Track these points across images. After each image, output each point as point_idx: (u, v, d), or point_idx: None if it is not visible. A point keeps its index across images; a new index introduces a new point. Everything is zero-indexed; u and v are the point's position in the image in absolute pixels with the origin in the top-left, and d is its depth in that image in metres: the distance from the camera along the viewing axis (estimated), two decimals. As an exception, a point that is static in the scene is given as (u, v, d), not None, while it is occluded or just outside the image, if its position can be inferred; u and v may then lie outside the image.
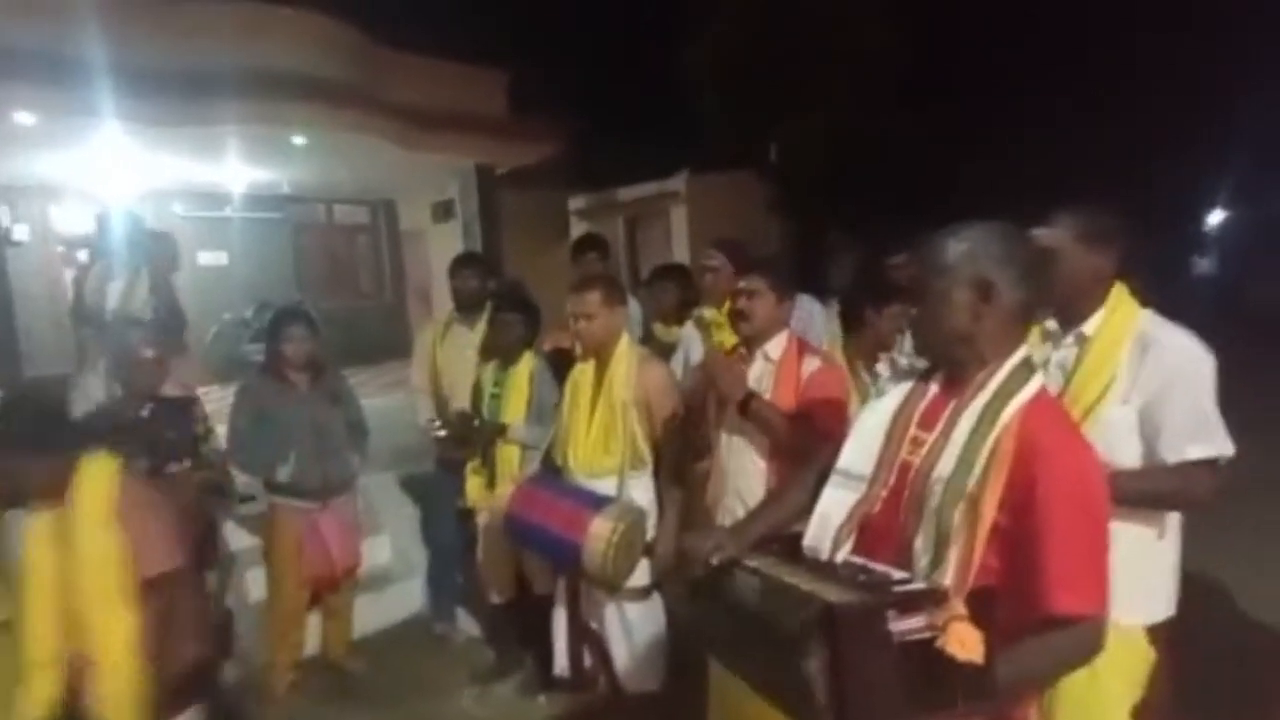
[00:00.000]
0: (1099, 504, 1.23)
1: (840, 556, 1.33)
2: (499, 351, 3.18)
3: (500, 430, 3.05)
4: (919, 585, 1.20)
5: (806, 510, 1.45)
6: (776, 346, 2.36)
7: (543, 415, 3.01)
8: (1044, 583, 1.17)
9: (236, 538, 3.73)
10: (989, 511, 1.20)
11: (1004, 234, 1.32)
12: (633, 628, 2.61)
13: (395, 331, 10.52)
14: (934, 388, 1.39)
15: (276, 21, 6.41)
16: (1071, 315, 1.76)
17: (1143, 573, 1.66)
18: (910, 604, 1.12)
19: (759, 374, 2.35)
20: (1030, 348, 1.75)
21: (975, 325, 1.29)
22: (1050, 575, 1.17)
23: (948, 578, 1.22)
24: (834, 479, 1.42)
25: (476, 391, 3.20)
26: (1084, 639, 1.20)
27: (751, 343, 2.39)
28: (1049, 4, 14.79)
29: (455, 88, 8.09)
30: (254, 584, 3.54)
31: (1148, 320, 1.72)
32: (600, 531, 2.31)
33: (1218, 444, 1.61)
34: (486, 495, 3.11)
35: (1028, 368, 1.31)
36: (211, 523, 2.85)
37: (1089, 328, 1.73)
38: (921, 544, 1.27)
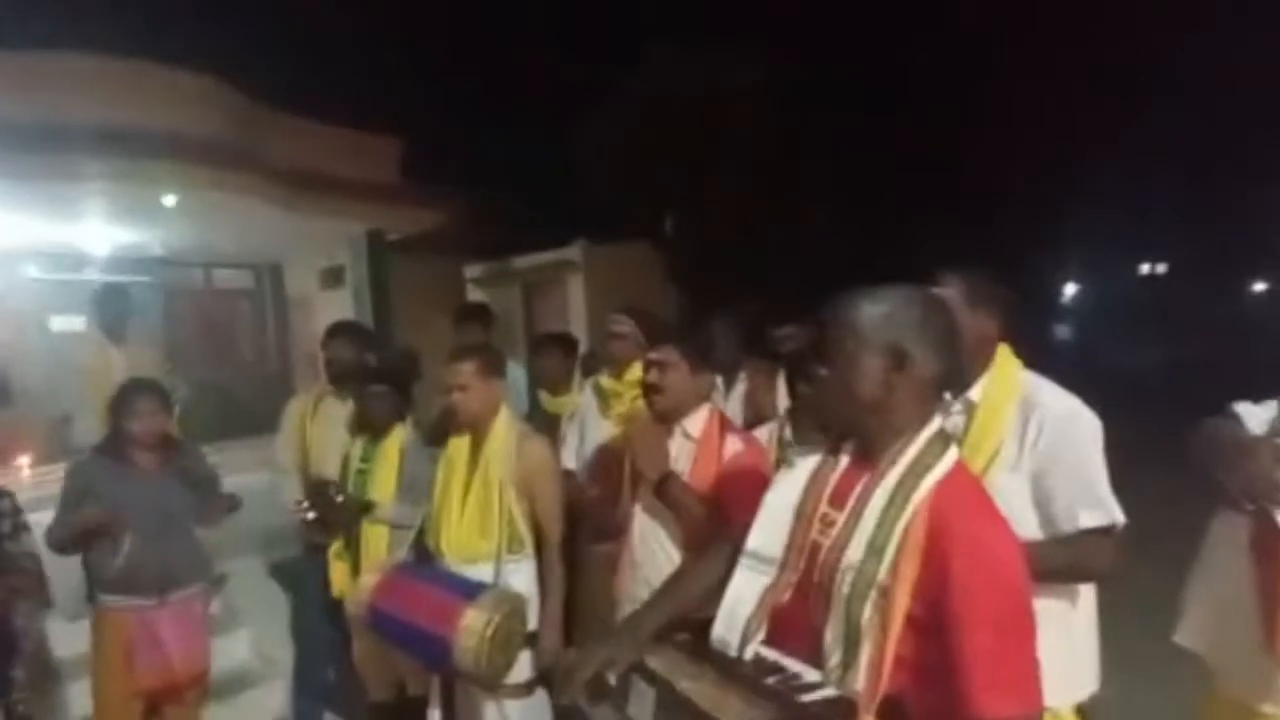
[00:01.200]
0: (1020, 590, 1.12)
1: (750, 650, 1.22)
2: (366, 425, 2.98)
3: (366, 507, 2.82)
4: (827, 695, 1.10)
5: (714, 594, 1.34)
6: (696, 423, 2.22)
7: (414, 492, 2.78)
8: (969, 686, 1.06)
9: (67, 643, 3.27)
10: (901, 603, 1.10)
11: (918, 299, 1.25)
12: None
13: (279, 402, 9.83)
14: (844, 460, 1.30)
15: (145, 77, 6.09)
16: (958, 383, 1.70)
17: (1063, 650, 1.55)
18: None
19: (677, 452, 2.20)
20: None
21: (887, 395, 1.21)
22: (975, 677, 1.06)
23: (859, 680, 1.11)
24: (743, 562, 1.32)
25: (344, 466, 2.97)
26: None
27: (667, 419, 2.25)
28: (922, 79, 16.15)
29: (343, 151, 7.90)
30: (78, 697, 3.09)
31: (1031, 384, 1.67)
32: (473, 625, 2.08)
33: (1109, 511, 1.55)
34: (353, 583, 2.84)
35: (943, 440, 1.23)
36: (15, 632, 2.44)
37: (975, 393, 1.68)
38: (831, 638, 1.17)
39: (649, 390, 2.24)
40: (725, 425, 2.25)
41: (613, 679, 1.25)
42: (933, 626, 1.10)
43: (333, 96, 8.59)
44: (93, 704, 2.77)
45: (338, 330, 3.45)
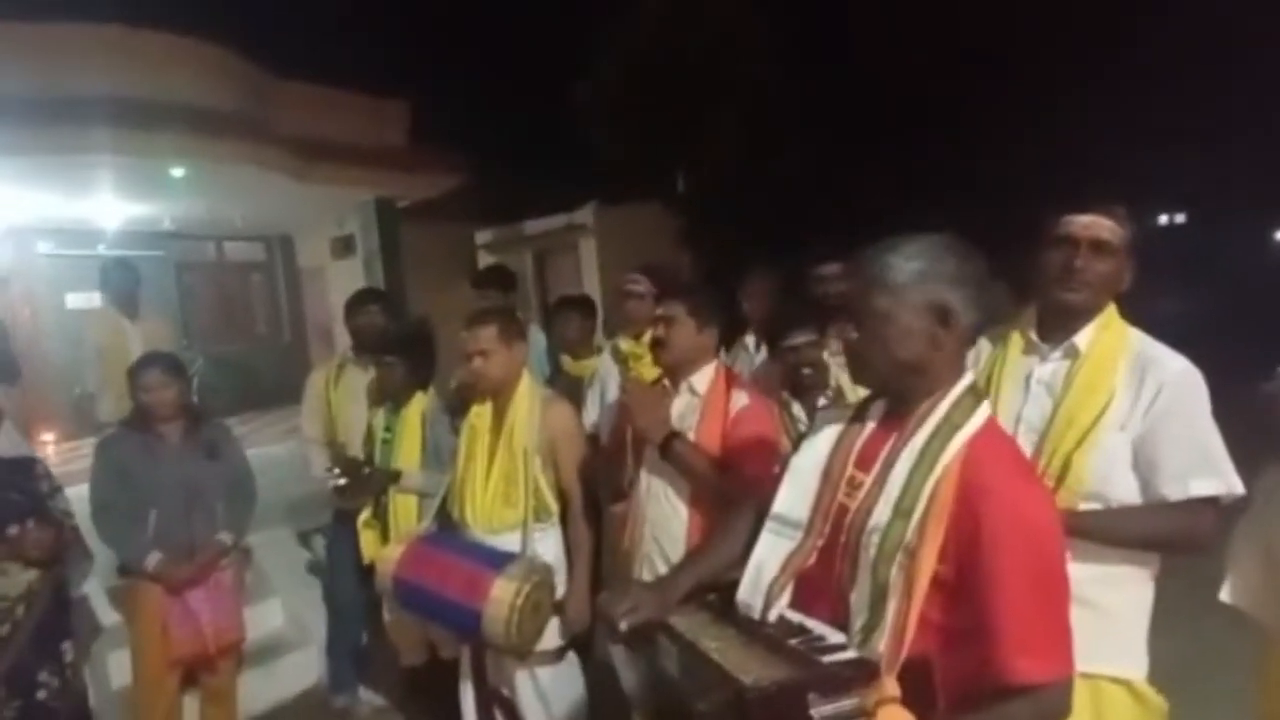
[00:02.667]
0: (1054, 552, 1.09)
1: (774, 613, 1.20)
2: (386, 395, 2.96)
3: (393, 477, 2.81)
4: (850, 656, 1.08)
5: (741, 559, 1.32)
6: (703, 379, 2.19)
7: (439, 460, 2.77)
8: (998, 649, 1.04)
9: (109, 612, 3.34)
10: (927, 563, 1.07)
11: (954, 249, 1.18)
12: (548, 695, 2.38)
13: (294, 374, 9.86)
14: (871, 421, 1.26)
15: (153, 47, 5.99)
16: (1058, 327, 1.59)
17: (1143, 619, 1.55)
18: (836, 683, 1.01)
19: (684, 408, 2.18)
20: (1010, 361, 1.65)
21: (931, 354, 1.16)
22: (1005, 640, 1.03)
23: (882, 642, 1.08)
24: (769, 525, 1.29)
25: (368, 437, 2.96)
26: (1048, 707, 1.06)
27: (674, 374, 2.22)
28: (929, 21, 15.65)
29: (352, 119, 7.81)
30: (117, 667, 3.15)
31: (1142, 340, 1.57)
32: (503, 595, 2.07)
33: (1225, 479, 1.45)
34: (382, 550, 2.86)
35: (974, 396, 1.19)
36: (62, 586, 2.46)
37: (1081, 340, 1.56)
38: (857, 600, 1.15)
39: (655, 345, 2.22)
40: (732, 381, 2.22)
41: (623, 626, 1.25)
42: (960, 588, 1.07)
43: (340, 62, 8.44)
44: (131, 674, 2.82)
45: (364, 298, 3.41)
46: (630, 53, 13.33)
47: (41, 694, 2.25)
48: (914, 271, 1.16)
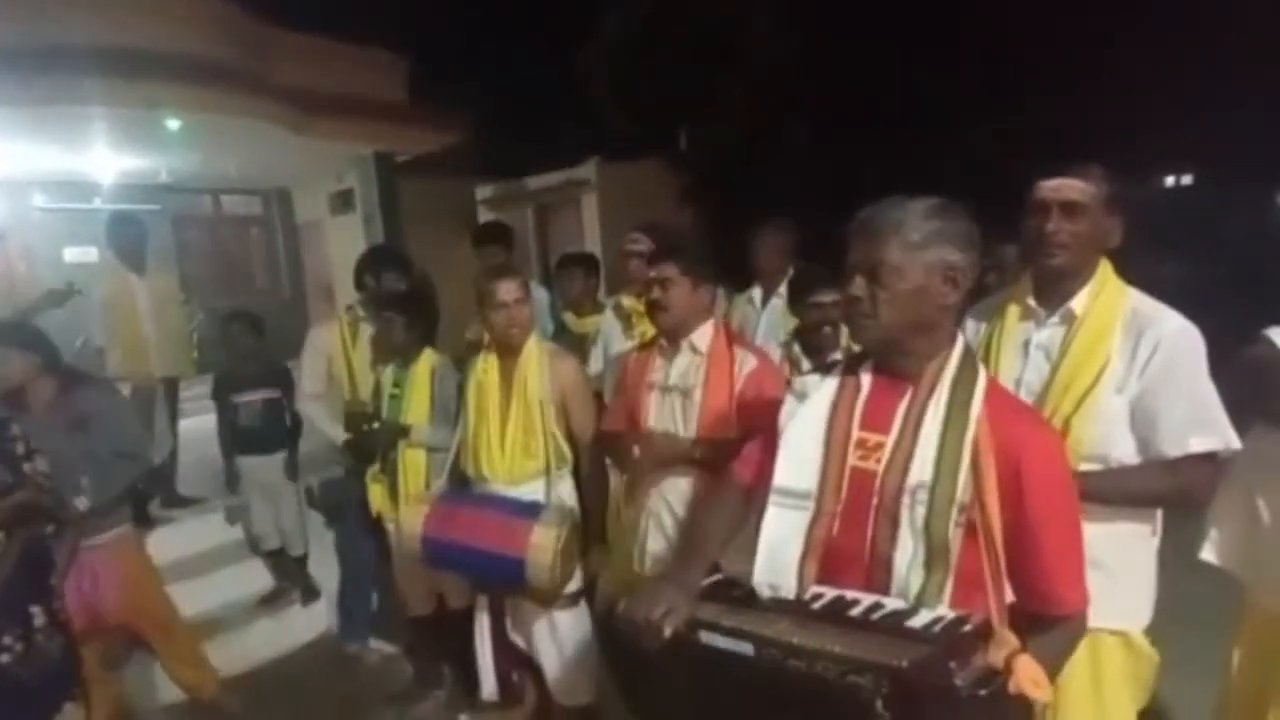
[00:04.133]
0: (1074, 489, 1.20)
1: (810, 591, 1.18)
2: (387, 350, 2.97)
3: (402, 432, 2.84)
4: (952, 617, 1.06)
5: (728, 541, 1.33)
6: (703, 337, 2.20)
7: (448, 415, 2.80)
8: (1052, 583, 1.14)
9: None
10: (996, 515, 1.10)
11: (962, 212, 1.19)
12: (564, 639, 2.45)
13: (296, 329, 9.89)
14: (867, 382, 1.25)
15: (145, -5, 5.85)
16: (1053, 292, 1.61)
17: (1146, 575, 1.60)
18: (965, 647, 0.99)
19: (685, 367, 2.20)
20: (1009, 327, 1.66)
21: (937, 314, 1.19)
22: (1058, 577, 1.14)
23: (944, 600, 1.12)
24: (774, 500, 1.25)
25: (375, 392, 2.98)
26: (1079, 628, 1.18)
27: (673, 334, 2.23)
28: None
29: (350, 71, 7.65)
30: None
31: (1138, 299, 1.57)
32: (544, 542, 2.14)
33: (1223, 434, 1.47)
34: (391, 505, 2.90)
35: (971, 354, 1.23)
36: (39, 550, 2.36)
37: (1077, 305, 1.57)
38: (904, 562, 1.15)
39: (652, 307, 2.22)
40: (732, 338, 2.24)
41: (668, 632, 1.15)
42: (1005, 534, 1.12)
43: (338, 14, 8.22)
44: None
45: (387, 260, 3.39)
46: (635, 11, 13.02)
47: (4, 658, 2.12)
48: (930, 231, 1.16)
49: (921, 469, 1.15)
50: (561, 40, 13.61)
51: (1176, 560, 1.90)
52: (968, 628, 1.03)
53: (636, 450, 2.17)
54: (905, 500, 1.15)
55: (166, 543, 3.87)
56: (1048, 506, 1.13)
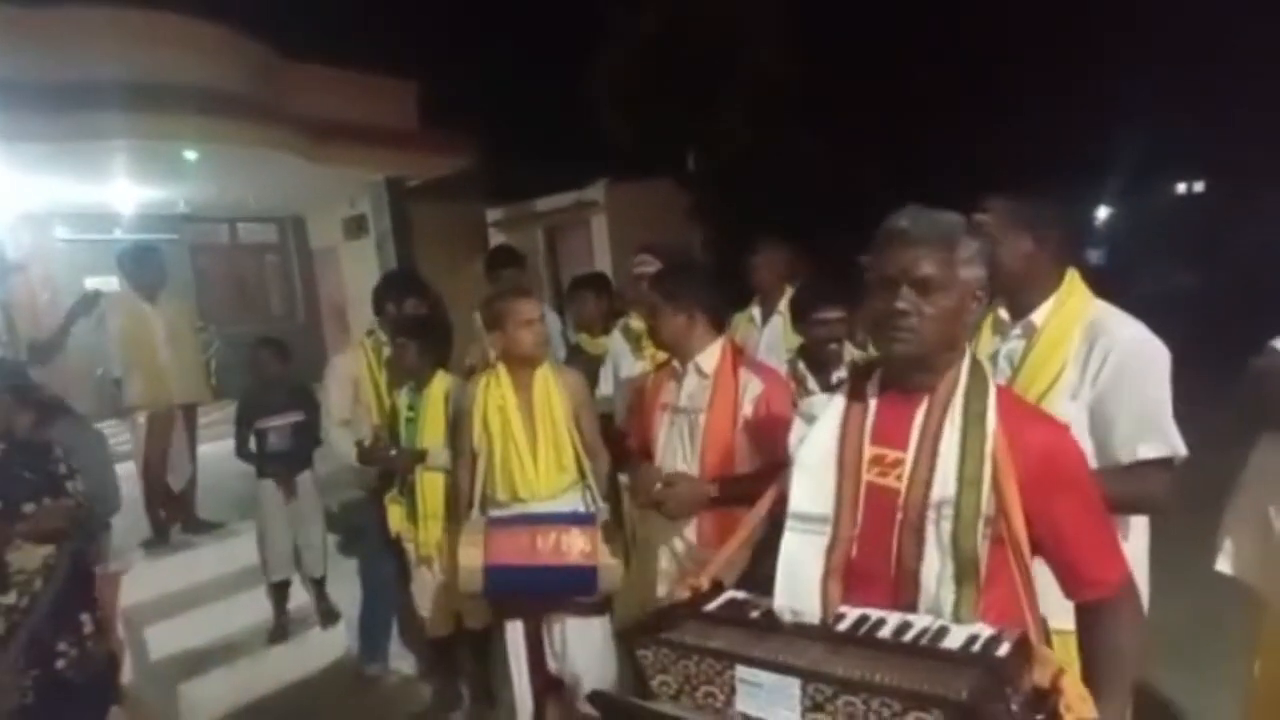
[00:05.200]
0: (1091, 472, 1.24)
1: (835, 614, 1.15)
2: (401, 375, 3.02)
3: (419, 457, 2.87)
4: (989, 634, 1.03)
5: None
6: (709, 359, 2.20)
7: None
8: (1094, 569, 1.17)
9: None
10: (1021, 526, 1.10)
11: (976, 226, 1.24)
12: (597, 645, 2.48)
13: (311, 354, 10.03)
14: (874, 398, 1.25)
15: (164, 30, 6.01)
16: (1021, 305, 1.66)
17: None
18: (1013, 671, 0.96)
19: (693, 389, 2.20)
20: (983, 341, 1.71)
21: (966, 330, 1.22)
22: (1097, 559, 1.18)
23: (974, 614, 1.10)
24: (791, 525, 1.23)
25: (393, 417, 3.02)
26: (1133, 599, 1.22)
27: (678, 354, 2.24)
28: (941, 14, 15.44)
29: (361, 99, 7.81)
30: (155, 640, 3.31)
31: (1098, 311, 1.61)
32: (609, 546, 2.27)
33: (1170, 442, 1.50)
34: (409, 525, 2.93)
35: (979, 364, 1.23)
36: (82, 561, 2.47)
37: (1038, 317, 1.63)
38: (931, 577, 1.14)
39: (649, 331, 2.31)
40: (739, 359, 2.24)
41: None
42: (1033, 533, 1.13)
43: (349, 42, 8.40)
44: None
45: (409, 287, 3.43)
46: (641, 31, 13.20)
47: (60, 664, 2.29)
48: (974, 249, 1.18)
49: (944, 484, 1.14)
50: (570, 61, 13.81)
51: (1196, 573, 1.91)
52: (1006, 646, 1.00)
53: (659, 492, 2.13)
54: (931, 515, 1.14)
55: (187, 568, 3.94)
56: (1076, 498, 1.16)
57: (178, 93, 5.77)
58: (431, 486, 2.87)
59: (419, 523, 2.88)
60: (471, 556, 2.32)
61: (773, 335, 3.29)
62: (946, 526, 1.13)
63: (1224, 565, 1.82)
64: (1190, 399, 1.57)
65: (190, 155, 6.41)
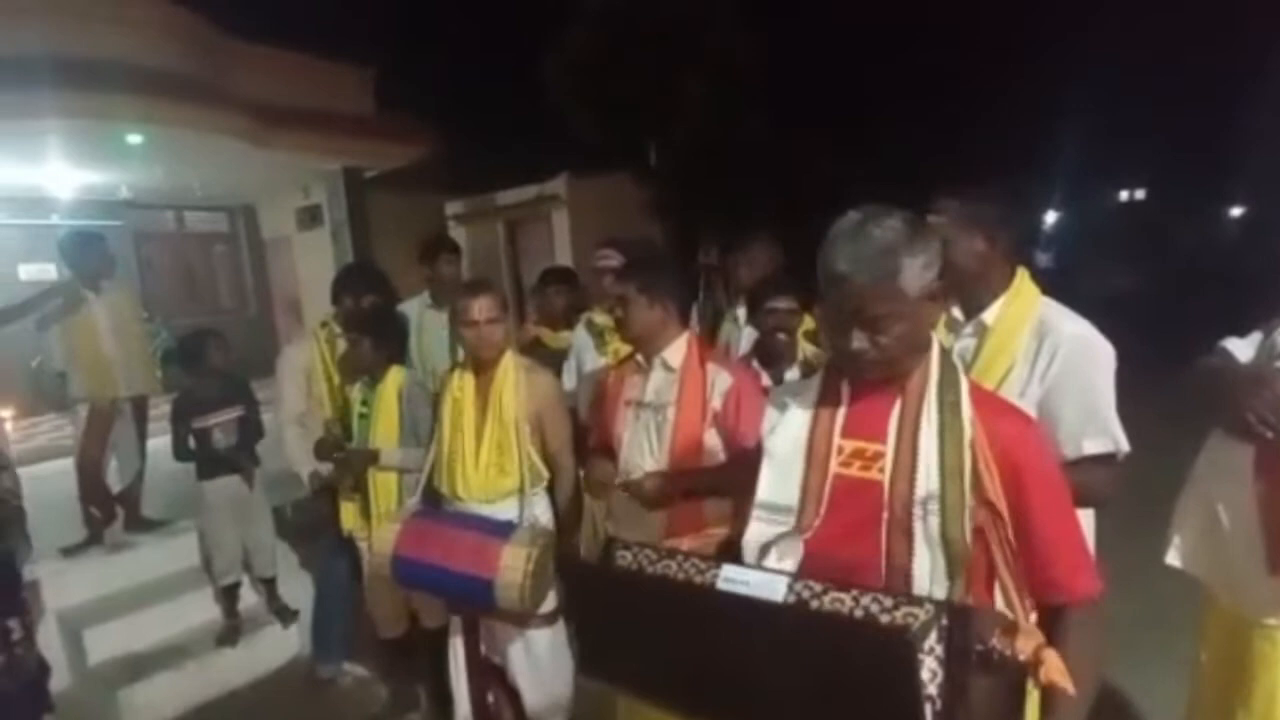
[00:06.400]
0: (1064, 475, 1.22)
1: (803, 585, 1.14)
2: (354, 371, 2.92)
3: (371, 458, 2.78)
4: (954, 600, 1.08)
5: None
6: (675, 354, 2.18)
7: (419, 435, 2.77)
8: (1060, 572, 1.16)
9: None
10: (1006, 514, 1.12)
11: (922, 224, 1.19)
12: (540, 658, 2.42)
13: (262, 347, 9.75)
14: (845, 390, 1.25)
15: (103, 4, 5.73)
16: (972, 303, 1.70)
17: None
18: (996, 623, 1.02)
19: (659, 384, 2.18)
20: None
21: (931, 330, 1.21)
22: (1064, 563, 1.16)
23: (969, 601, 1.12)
24: (757, 514, 1.24)
25: (346, 411, 2.93)
26: (1095, 614, 1.19)
27: (642, 349, 2.22)
28: (899, 15, 15.75)
29: (317, 85, 7.58)
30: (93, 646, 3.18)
31: (1046, 309, 1.65)
32: (514, 562, 2.08)
33: (1114, 438, 1.56)
34: (363, 523, 2.86)
35: (948, 353, 1.24)
36: (9, 563, 2.37)
37: (989, 316, 1.67)
38: (923, 572, 1.13)
39: (617, 324, 2.23)
40: (705, 354, 2.22)
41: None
42: (1009, 529, 1.14)
43: (303, 25, 8.16)
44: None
45: (350, 275, 3.34)
46: (600, 24, 13.08)
47: None
48: (920, 266, 1.13)
49: (928, 479, 1.14)
50: (530, 53, 13.64)
51: (1145, 566, 1.97)
52: (1002, 618, 1.06)
53: (625, 494, 2.13)
54: (918, 512, 1.14)
55: (131, 567, 3.78)
56: (1047, 496, 1.16)
57: (120, 71, 5.50)
58: (384, 486, 2.80)
59: (372, 520, 2.80)
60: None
61: (754, 335, 3.27)
62: (934, 521, 1.13)
63: (1173, 558, 1.87)
64: (1131, 396, 1.61)
65: (133, 139, 6.15)
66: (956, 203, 1.66)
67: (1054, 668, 1.00)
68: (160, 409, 4.59)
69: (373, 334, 2.83)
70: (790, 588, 0.97)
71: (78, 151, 6.42)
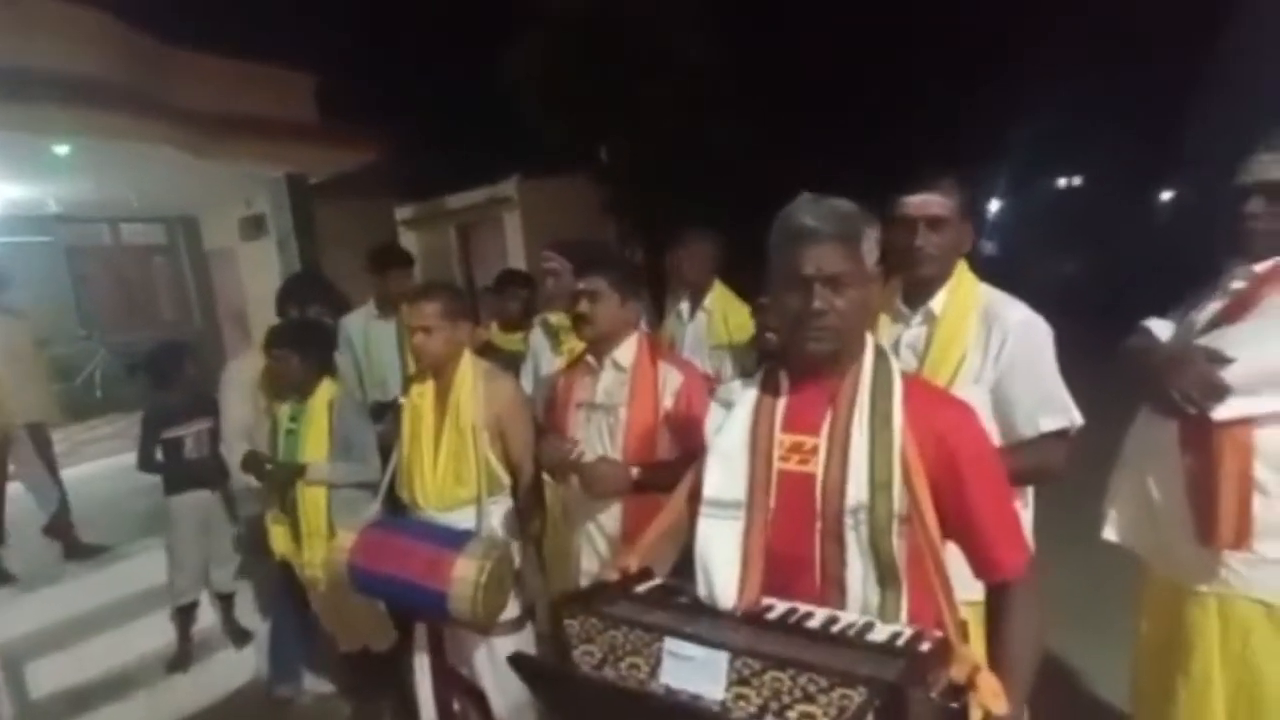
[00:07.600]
0: (998, 456, 1.24)
1: (762, 603, 1.15)
2: (283, 388, 2.84)
3: (299, 471, 2.71)
4: (911, 631, 1.05)
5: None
6: (626, 353, 2.18)
7: (349, 449, 2.70)
8: (997, 550, 1.18)
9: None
10: (934, 524, 1.12)
11: (866, 214, 1.21)
12: (504, 667, 2.39)
13: (211, 360, 9.46)
14: (785, 383, 1.25)
15: (27, 12, 5.49)
16: (916, 295, 1.74)
17: None
18: (933, 662, 0.98)
19: (610, 384, 2.18)
20: (882, 329, 1.75)
21: (871, 317, 1.25)
22: (1000, 542, 1.19)
23: (901, 615, 1.14)
24: (705, 511, 1.23)
25: (273, 430, 2.82)
26: (1032, 589, 1.20)
27: (598, 348, 2.21)
28: (852, 14, 15.96)
29: (255, 91, 7.37)
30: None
31: (988, 295, 1.71)
32: (466, 574, 2.05)
33: (1069, 414, 1.63)
34: (294, 547, 2.78)
35: (884, 353, 1.24)
36: None
37: (936, 305, 1.71)
38: (857, 581, 1.15)
39: (578, 320, 2.19)
40: (656, 353, 2.22)
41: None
42: (943, 519, 1.16)
43: (243, 32, 7.94)
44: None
45: (295, 286, 3.28)
46: (557, 23, 13.00)
47: None
48: (875, 238, 1.20)
49: (858, 490, 1.15)
50: (480, 54, 13.51)
51: (1084, 540, 2.04)
52: (927, 644, 1.02)
53: (575, 481, 2.12)
54: (849, 521, 1.16)
55: (72, 597, 3.62)
56: (983, 481, 1.17)
57: (43, 81, 5.28)
58: (313, 503, 2.72)
59: (302, 542, 2.73)
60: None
61: (698, 331, 3.26)
62: (864, 531, 1.15)
63: (1109, 533, 1.93)
64: (1068, 376, 1.66)
65: (61, 150, 5.91)
66: (956, 186, 1.70)
67: (987, 690, 1.00)
68: (96, 432, 4.43)
69: (300, 349, 2.76)
70: (731, 664, 0.98)
71: (3, 163, 6.15)
